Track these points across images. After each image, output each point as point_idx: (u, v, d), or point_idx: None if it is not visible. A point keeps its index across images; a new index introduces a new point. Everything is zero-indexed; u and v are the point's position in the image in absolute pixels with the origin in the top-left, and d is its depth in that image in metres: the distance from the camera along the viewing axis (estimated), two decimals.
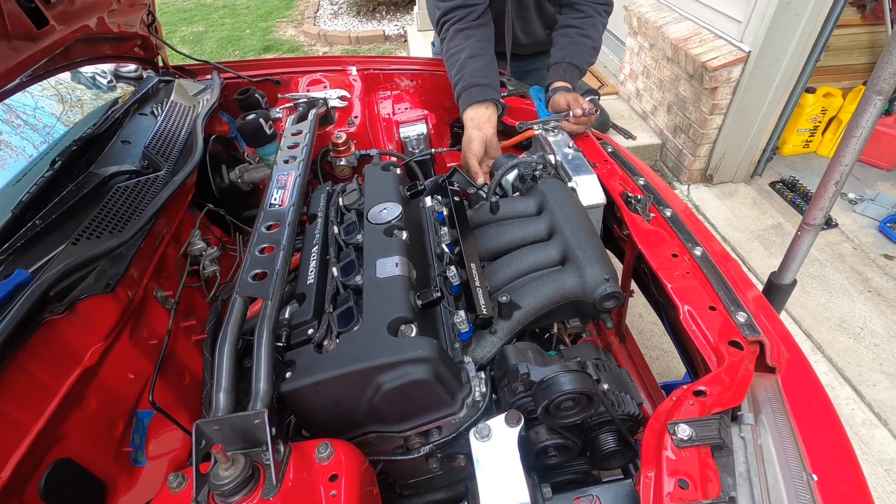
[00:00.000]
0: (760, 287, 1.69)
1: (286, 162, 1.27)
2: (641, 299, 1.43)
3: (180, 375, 1.17)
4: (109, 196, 1.08)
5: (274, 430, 0.72)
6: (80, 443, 0.91)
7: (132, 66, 1.72)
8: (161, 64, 1.83)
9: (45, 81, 1.39)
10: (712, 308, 1.00)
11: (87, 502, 0.91)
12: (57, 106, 1.47)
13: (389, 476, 1.00)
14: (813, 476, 0.73)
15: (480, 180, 1.37)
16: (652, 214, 1.24)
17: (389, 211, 1.06)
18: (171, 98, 1.54)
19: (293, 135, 1.40)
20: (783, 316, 2.33)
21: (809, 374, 0.94)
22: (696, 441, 0.74)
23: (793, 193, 2.99)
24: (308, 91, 1.80)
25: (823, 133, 3.26)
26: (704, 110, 2.89)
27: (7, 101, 1.21)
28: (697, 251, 1.13)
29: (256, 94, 1.73)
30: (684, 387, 0.85)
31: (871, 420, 1.92)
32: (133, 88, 1.62)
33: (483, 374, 0.91)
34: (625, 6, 3.60)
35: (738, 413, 0.82)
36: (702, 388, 0.82)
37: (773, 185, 3.12)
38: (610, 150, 1.55)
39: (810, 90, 3.06)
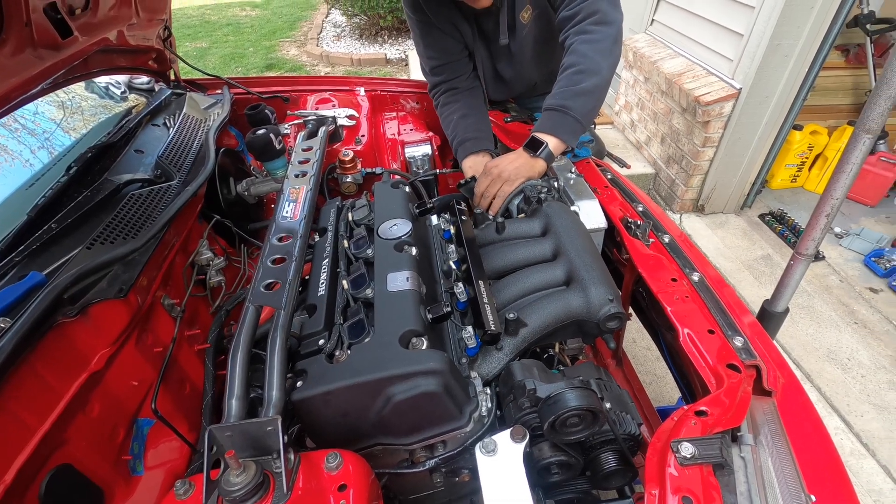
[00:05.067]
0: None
1: (297, 176, 1.29)
2: (635, 324, 1.46)
3: (181, 384, 1.17)
4: (123, 203, 1.09)
5: (286, 437, 0.73)
6: (82, 448, 0.90)
7: (145, 79, 1.75)
8: (173, 77, 1.87)
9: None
10: (711, 332, 1.03)
11: None
12: (57, 112, 1.48)
13: (391, 491, 1.00)
14: (811, 497, 0.75)
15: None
16: (651, 240, 1.28)
17: (400, 227, 1.09)
18: (184, 111, 1.57)
19: (304, 150, 1.43)
20: None
21: (804, 398, 0.97)
22: (700, 459, 0.76)
23: (781, 226, 3.07)
24: (317, 109, 1.84)
25: (810, 169, 3.37)
26: (697, 143, 2.99)
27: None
28: (695, 276, 1.17)
29: (266, 110, 1.76)
30: (685, 407, 0.87)
31: (859, 450, 1.94)
32: (145, 100, 1.65)
33: (489, 390, 0.93)
34: None
35: (738, 434, 0.84)
36: (703, 408, 0.85)
37: (762, 216, 3.20)
38: (609, 176, 1.60)
39: (797, 127, 3.18)
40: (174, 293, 1.18)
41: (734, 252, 2.95)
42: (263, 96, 1.94)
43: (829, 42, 2.57)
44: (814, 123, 3.24)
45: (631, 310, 1.45)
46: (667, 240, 1.29)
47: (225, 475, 0.69)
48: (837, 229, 3.03)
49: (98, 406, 0.95)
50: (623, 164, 3.71)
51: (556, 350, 1.20)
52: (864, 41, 3.05)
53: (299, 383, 0.81)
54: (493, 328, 0.90)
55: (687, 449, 0.77)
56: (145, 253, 1.02)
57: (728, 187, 3.14)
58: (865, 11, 2.98)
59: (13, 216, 1.04)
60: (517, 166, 1.33)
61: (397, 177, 1.67)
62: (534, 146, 1.35)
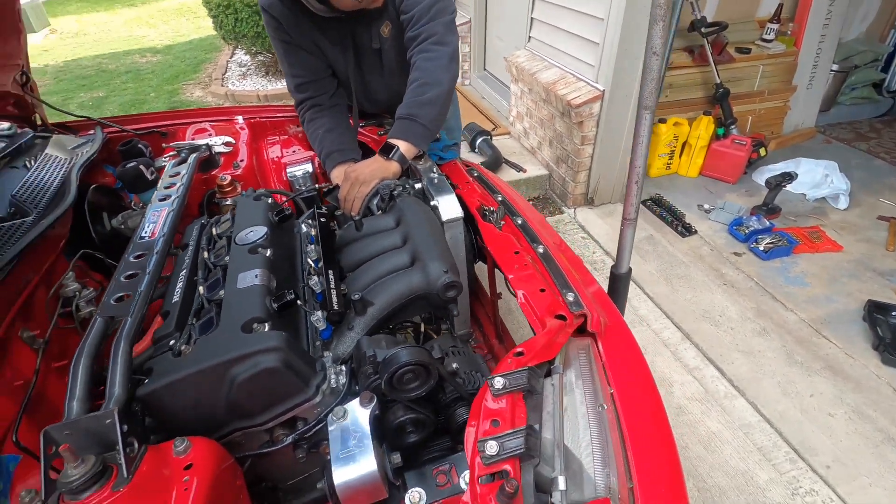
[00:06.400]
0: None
1: (161, 200, 1.34)
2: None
3: (51, 417, 1.16)
4: None
5: (126, 427, 0.78)
6: None
7: (5, 125, 1.73)
8: (39, 122, 1.85)
9: None
10: (542, 290, 1.17)
11: None
12: None
13: (269, 481, 1.05)
14: (604, 406, 0.89)
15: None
16: (503, 223, 1.44)
17: (255, 232, 1.17)
18: (46, 151, 1.57)
19: (171, 176, 1.48)
20: (653, 309, 2.63)
21: (627, 335, 1.12)
22: (509, 388, 0.88)
23: (660, 208, 3.41)
24: (194, 139, 1.89)
25: (680, 156, 3.78)
26: (577, 142, 3.28)
27: None
28: (540, 249, 1.32)
29: (140, 145, 1.79)
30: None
31: (732, 392, 2.19)
32: (3, 144, 1.63)
33: (344, 367, 1.02)
34: (505, 58, 4.05)
35: (552, 366, 0.98)
36: (520, 349, 0.98)
37: (643, 202, 3.54)
38: (476, 174, 1.76)
39: (662, 121, 3.57)
40: (35, 326, 1.18)
41: None
42: (140, 132, 1.95)
43: (668, 45, 2.95)
44: (675, 116, 3.65)
45: (504, 290, 1.58)
46: (520, 222, 1.44)
47: (63, 470, 0.73)
48: (706, 206, 3.42)
49: None
50: (519, 169, 3.98)
51: (423, 329, 1.31)
52: (703, 42, 3.51)
53: (146, 381, 0.86)
54: (335, 307, 0.99)
55: (499, 382, 0.89)
56: None
57: (610, 179, 3.45)
58: (699, 17, 3.44)
59: None
60: (372, 169, 1.45)
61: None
62: (387, 150, 1.49)
